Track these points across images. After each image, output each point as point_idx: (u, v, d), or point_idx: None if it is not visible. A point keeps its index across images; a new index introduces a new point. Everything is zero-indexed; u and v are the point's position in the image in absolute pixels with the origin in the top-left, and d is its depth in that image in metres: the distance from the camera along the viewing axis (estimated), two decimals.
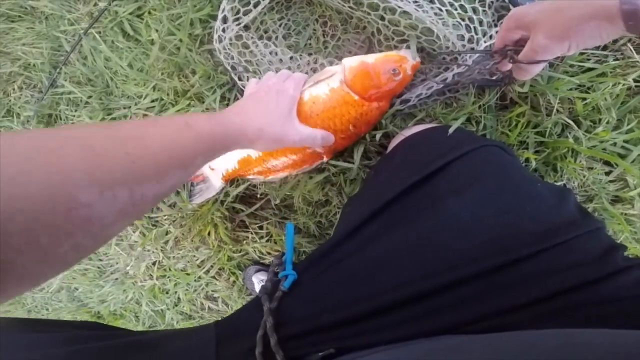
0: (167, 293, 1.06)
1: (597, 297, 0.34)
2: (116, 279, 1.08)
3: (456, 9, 0.56)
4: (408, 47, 0.58)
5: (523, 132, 0.63)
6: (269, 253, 0.88)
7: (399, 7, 0.56)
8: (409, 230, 0.41)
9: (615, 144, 0.60)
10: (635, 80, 0.56)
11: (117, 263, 1.06)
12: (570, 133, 0.61)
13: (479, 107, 0.63)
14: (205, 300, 1.02)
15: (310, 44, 0.71)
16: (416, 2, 0.57)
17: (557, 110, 0.60)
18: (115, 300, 1.12)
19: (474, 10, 0.55)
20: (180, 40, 0.72)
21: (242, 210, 0.82)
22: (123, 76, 0.82)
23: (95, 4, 0.76)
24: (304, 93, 0.58)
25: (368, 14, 0.60)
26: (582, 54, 0.59)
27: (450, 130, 0.53)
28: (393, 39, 0.61)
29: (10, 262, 0.24)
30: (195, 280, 1.00)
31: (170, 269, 1.00)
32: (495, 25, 0.56)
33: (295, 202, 0.77)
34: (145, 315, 1.12)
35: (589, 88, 0.57)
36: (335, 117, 0.58)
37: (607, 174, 0.62)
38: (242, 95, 0.72)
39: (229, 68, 0.70)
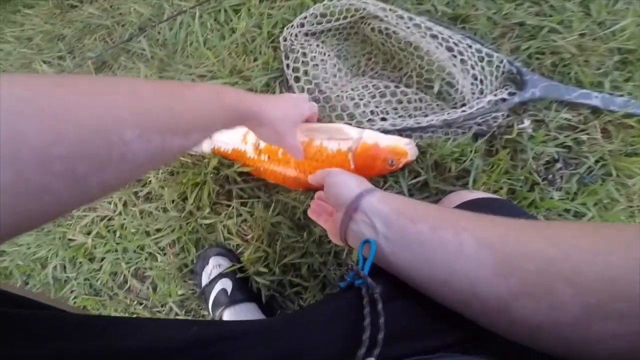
0: (91, 261, 0.93)
1: None
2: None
3: (481, 67, 0.77)
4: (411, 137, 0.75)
5: (500, 177, 0.76)
6: (237, 232, 0.85)
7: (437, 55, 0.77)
8: None
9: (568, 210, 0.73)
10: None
11: None
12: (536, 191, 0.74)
13: (471, 150, 0.77)
14: (132, 277, 0.89)
15: (351, 70, 0.91)
16: (452, 53, 0.79)
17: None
18: (18, 254, 0.97)
19: (491, 73, 0.77)
20: (259, 34, 0.93)
21: (237, 182, 0.84)
22: (194, 48, 0.99)
23: None
24: (318, 139, 0.70)
25: (412, 55, 0.81)
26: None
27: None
28: (422, 75, 0.80)
29: (44, 187, 0.25)
30: (134, 251, 0.90)
31: (111, 232, 0.92)
32: (499, 89, 0.77)
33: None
34: (38, 281, 0.95)
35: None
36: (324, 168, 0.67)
37: None
38: (286, 88, 0.88)
39: (283, 51, 0.89)
